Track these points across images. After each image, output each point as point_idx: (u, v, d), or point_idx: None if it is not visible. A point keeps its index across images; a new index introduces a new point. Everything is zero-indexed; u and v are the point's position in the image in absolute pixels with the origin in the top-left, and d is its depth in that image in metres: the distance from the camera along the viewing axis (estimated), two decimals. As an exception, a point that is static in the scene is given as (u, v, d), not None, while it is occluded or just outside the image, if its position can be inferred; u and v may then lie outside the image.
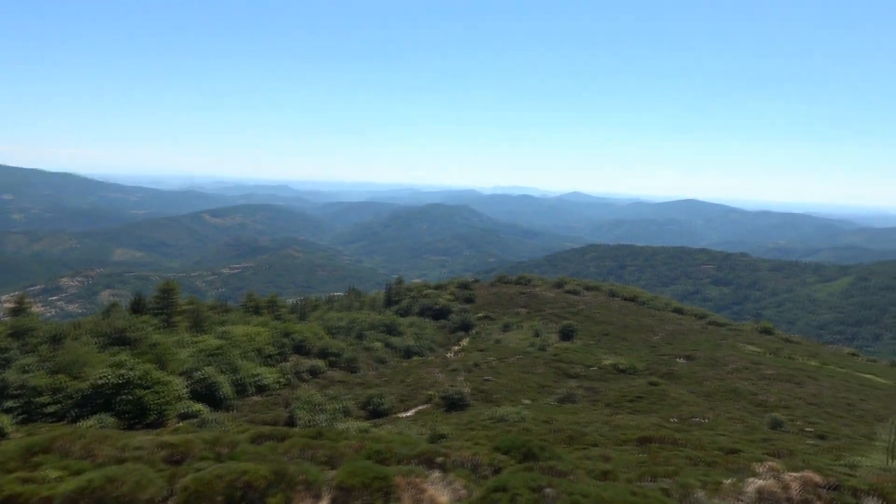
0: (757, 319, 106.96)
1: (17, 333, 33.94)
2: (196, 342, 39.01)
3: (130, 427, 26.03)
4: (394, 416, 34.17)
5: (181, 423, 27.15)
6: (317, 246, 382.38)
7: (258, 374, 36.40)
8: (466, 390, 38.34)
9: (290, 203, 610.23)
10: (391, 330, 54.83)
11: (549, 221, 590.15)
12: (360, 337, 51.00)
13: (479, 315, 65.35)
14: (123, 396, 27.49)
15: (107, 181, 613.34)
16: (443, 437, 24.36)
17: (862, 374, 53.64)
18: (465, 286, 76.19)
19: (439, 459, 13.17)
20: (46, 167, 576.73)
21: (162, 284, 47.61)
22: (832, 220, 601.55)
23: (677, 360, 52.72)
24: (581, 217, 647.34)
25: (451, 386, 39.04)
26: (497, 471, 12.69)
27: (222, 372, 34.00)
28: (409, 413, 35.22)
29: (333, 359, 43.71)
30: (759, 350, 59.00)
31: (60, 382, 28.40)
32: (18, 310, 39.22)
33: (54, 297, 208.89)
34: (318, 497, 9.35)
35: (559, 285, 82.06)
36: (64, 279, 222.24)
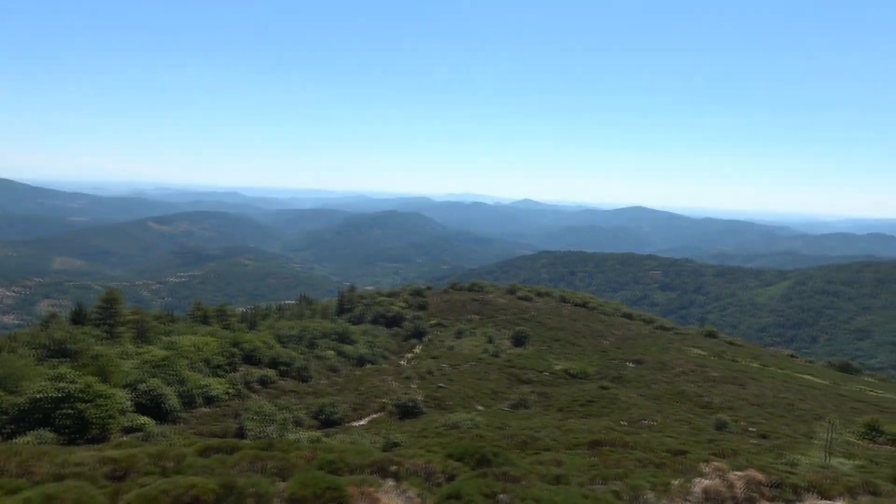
0: (702, 323, 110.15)
1: (-53, 347, 32.25)
2: (141, 353, 37.79)
3: (71, 442, 25.01)
4: (347, 424, 33.82)
5: (125, 438, 26.26)
6: (267, 254, 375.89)
7: (206, 385, 35.49)
8: (420, 398, 38.27)
9: (240, 210, 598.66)
10: (344, 338, 54.30)
11: (501, 229, 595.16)
12: (311, 346, 50.31)
13: (433, 322, 65.35)
14: (63, 410, 26.39)
15: (46, 187, 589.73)
16: (396, 445, 24.23)
17: (801, 375, 55.74)
18: (418, 293, 76.11)
19: (393, 468, 13.10)
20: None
21: (104, 294, 45.98)
22: (771, 227, 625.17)
23: (627, 364, 53.78)
24: (533, 224, 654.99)
25: (405, 393, 38.90)
26: (451, 478, 12.70)
27: (168, 383, 33.03)
28: (363, 421, 34.93)
29: (284, 368, 42.99)
30: (704, 353, 60.70)
31: (-6, 398, 27.09)
32: (-52, 322, 37.32)
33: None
34: (268, 510, 9.18)
35: (511, 292, 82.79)
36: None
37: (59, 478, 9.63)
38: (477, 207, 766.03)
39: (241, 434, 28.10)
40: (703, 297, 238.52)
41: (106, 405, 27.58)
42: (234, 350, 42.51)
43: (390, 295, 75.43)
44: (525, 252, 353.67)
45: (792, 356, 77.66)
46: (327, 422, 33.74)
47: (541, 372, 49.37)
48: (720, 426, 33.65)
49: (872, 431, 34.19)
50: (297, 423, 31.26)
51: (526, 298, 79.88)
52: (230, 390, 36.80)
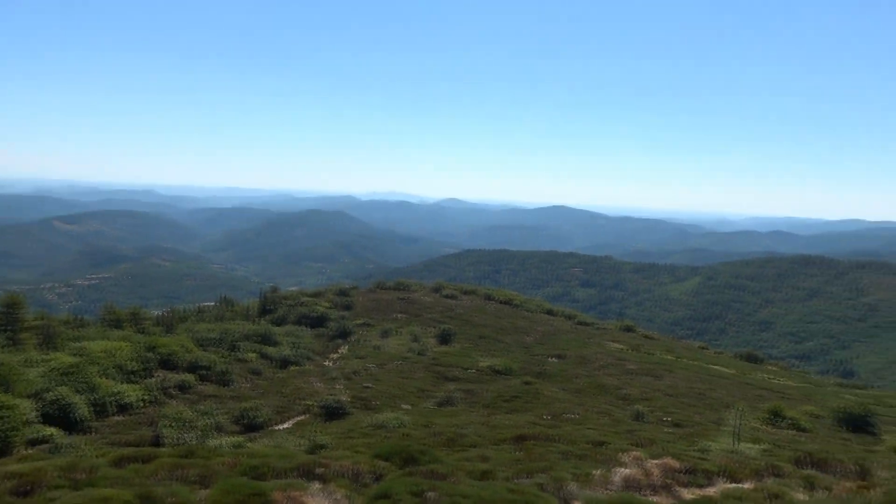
0: (620, 318, 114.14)
1: None
2: (47, 361, 35.61)
3: (-33, 458, 23.29)
4: (270, 428, 33.06)
5: (30, 451, 24.73)
6: (185, 254, 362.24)
7: (119, 392, 33.83)
8: (345, 398, 37.87)
9: (155, 209, 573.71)
10: (266, 340, 53.01)
11: (426, 227, 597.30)
12: (233, 348, 48.82)
13: (358, 322, 64.79)
14: (-42, 425, 24.55)
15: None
16: (322, 447, 23.91)
17: (711, 366, 58.74)
18: (343, 293, 75.23)
19: (319, 470, 12.93)
20: None
21: (5, 298, 43.09)
22: (684, 225, 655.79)
23: (549, 359, 55.07)
24: (458, 223, 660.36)
25: (330, 394, 38.40)
26: (379, 478, 12.66)
27: (78, 392, 31.28)
28: (287, 424, 34.24)
29: (204, 372, 41.53)
30: (622, 347, 62.97)
31: None
32: None
33: None
34: (189, 519, 8.88)
35: (437, 290, 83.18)
36: None
37: (-44, 497, 8.98)
38: (402, 206, 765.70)
39: (158, 442, 26.97)
40: (622, 293, 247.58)
41: (8, 417, 25.84)
42: (150, 355, 40.72)
43: (315, 295, 74.20)
44: (450, 251, 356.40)
45: (703, 348, 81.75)
46: (250, 426, 32.87)
47: (466, 369, 49.86)
48: (637, 417, 35.01)
49: (775, 417, 36.46)
50: (219, 429, 30.31)
51: (451, 297, 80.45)
52: (146, 397, 35.23)
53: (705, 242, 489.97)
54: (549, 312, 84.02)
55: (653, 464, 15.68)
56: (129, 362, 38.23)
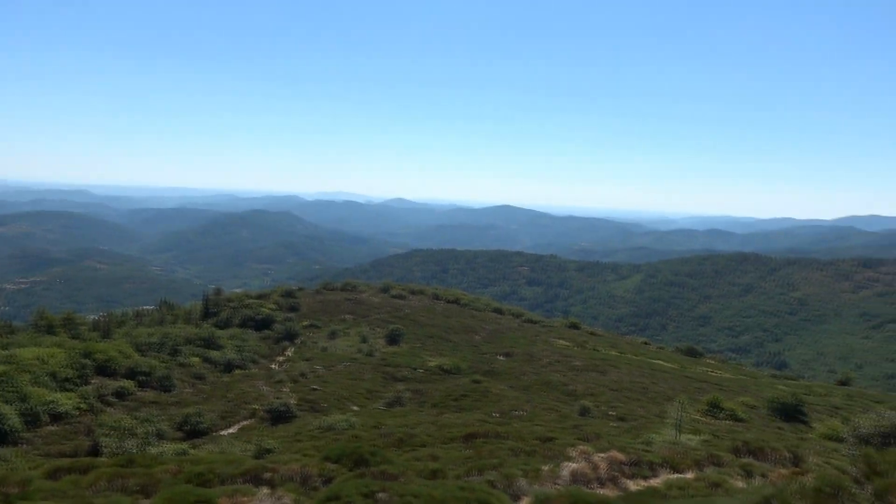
0: (566, 316, 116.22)
1: None
2: (-28, 370, 33.75)
3: None
4: (215, 434, 32.25)
5: (-46, 465, 23.36)
6: (123, 256, 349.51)
7: (53, 401, 32.36)
8: (293, 401, 37.28)
9: (91, 210, 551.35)
10: (210, 343, 51.70)
11: (374, 227, 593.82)
12: (174, 353, 47.40)
13: (305, 323, 63.90)
14: None
15: None
16: (269, 451, 23.46)
17: (653, 361, 60.37)
18: (289, 294, 74.05)
19: (267, 475, 12.68)
20: None
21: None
22: (626, 224, 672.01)
23: (497, 357, 55.56)
24: (405, 223, 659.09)
25: (277, 398, 37.73)
26: (328, 481, 12.51)
27: (7, 401, 29.78)
28: (232, 430, 33.47)
29: (144, 378, 40.17)
30: (568, 344, 64.07)
31: None
32: None
33: None
34: (130, 530, 8.58)
35: (385, 290, 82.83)
36: None
37: None
38: (349, 206, 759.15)
39: (96, 452, 25.93)
40: (567, 291, 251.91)
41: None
42: (86, 361, 39.11)
43: (260, 297, 72.80)
44: (398, 251, 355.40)
45: (645, 343, 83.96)
46: (193, 432, 31.98)
47: (415, 369, 49.83)
48: (584, 412, 35.67)
49: (714, 408, 37.77)
50: (160, 436, 29.35)
51: (399, 297, 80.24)
52: (81, 405, 33.81)
53: (646, 241, 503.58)
54: (497, 311, 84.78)
55: (599, 457, 15.99)
56: (63, 369, 36.63)
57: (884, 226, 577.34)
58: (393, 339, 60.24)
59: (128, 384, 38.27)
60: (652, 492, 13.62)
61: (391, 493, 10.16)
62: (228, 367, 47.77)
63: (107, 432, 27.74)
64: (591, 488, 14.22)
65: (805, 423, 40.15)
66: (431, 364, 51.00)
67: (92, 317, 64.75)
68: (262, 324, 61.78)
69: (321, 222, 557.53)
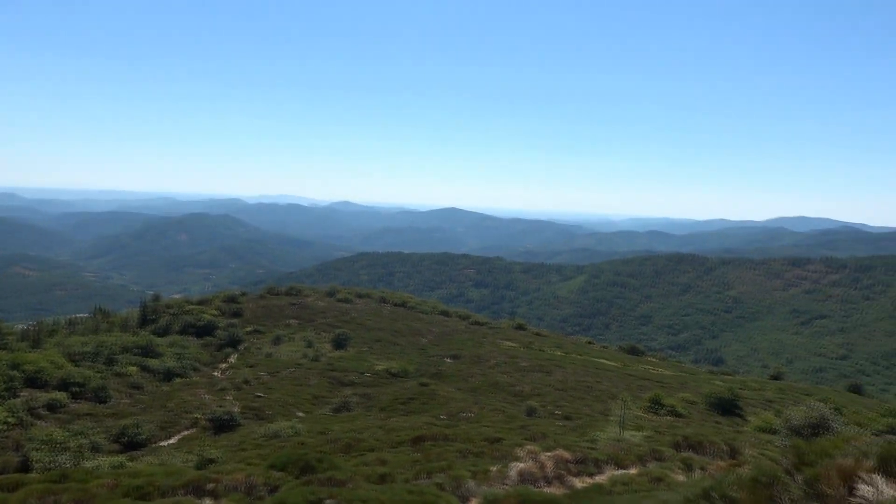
0: (512, 317, 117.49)
1: None
2: None
3: None
4: (154, 445, 31.20)
5: None
6: (54, 262, 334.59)
7: (-23, 416, 30.71)
8: (236, 409, 36.42)
9: (18, 213, 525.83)
10: (148, 352, 49.96)
11: (318, 231, 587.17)
12: (110, 362, 45.59)
13: (248, 329, 62.55)
14: None
15: None
16: (212, 461, 22.85)
17: (597, 360, 61.62)
18: (231, 300, 72.29)
19: (210, 486, 12.35)
20: None
21: None
22: (569, 226, 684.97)
23: (445, 359, 55.68)
24: (350, 226, 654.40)
25: (220, 406, 36.78)
26: (274, 489, 12.27)
27: (-73, 418, 28.10)
28: (173, 440, 32.45)
29: (78, 389, 38.49)
30: (515, 345, 64.75)
31: None
32: None
33: None
34: (63, 549, 8.21)
35: (331, 294, 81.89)
36: None
37: None
38: (293, 209, 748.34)
39: (25, 467, 24.71)
40: (513, 293, 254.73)
41: None
42: (14, 373, 37.21)
43: (201, 303, 70.82)
44: (344, 254, 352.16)
45: (589, 343, 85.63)
46: (131, 444, 30.83)
47: (362, 373, 49.43)
48: (530, 412, 36.12)
49: (655, 405, 38.85)
50: (96, 449, 28.16)
51: (346, 300, 79.47)
52: (10, 419, 32.15)
53: (590, 242, 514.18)
54: (444, 313, 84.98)
55: (546, 456, 16.21)
56: (-12, 382, 34.77)
57: (811, 226, 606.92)
58: (339, 343, 59.61)
59: (60, 396, 36.61)
60: (597, 488, 13.89)
61: (338, 500, 10.04)
62: (168, 376, 46.31)
63: (37, 447, 26.48)
64: (538, 487, 14.40)
65: (741, 416, 41.77)
66: (379, 368, 50.70)
67: (20, 326, 61.67)
68: (204, 330, 60.14)
69: (264, 226, 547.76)
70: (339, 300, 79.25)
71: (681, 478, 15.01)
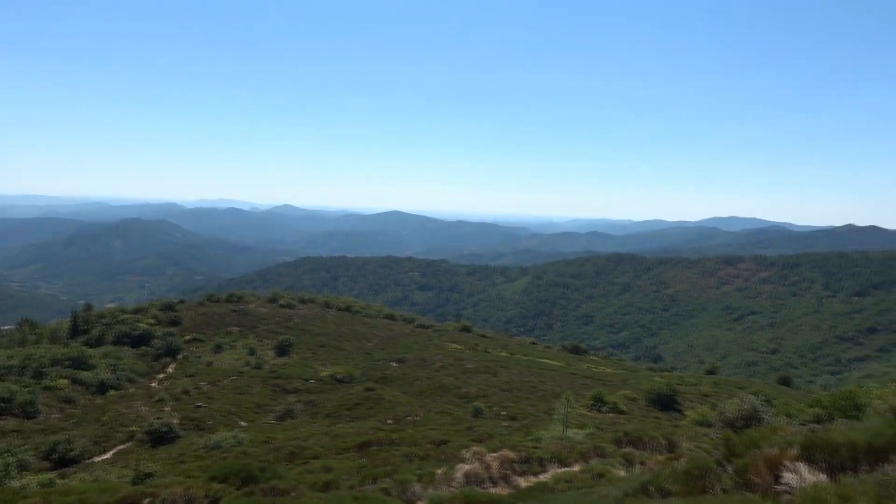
0: (458, 319, 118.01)
1: None
2: None
3: None
4: (88, 461, 29.93)
5: None
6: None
7: None
8: (175, 420, 35.32)
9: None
10: (80, 364, 47.90)
11: (260, 235, 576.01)
12: (39, 376, 43.49)
13: (187, 338, 60.78)
14: None
15: None
16: (150, 475, 22.10)
17: (541, 360, 62.56)
18: (169, 308, 70.08)
19: (147, 501, 11.96)
20: None
21: None
22: (512, 228, 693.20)
23: (391, 363, 55.46)
24: (293, 230, 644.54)
25: (157, 418, 35.59)
26: (215, 501, 11.97)
27: None
28: (107, 455, 31.21)
29: (3, 405, 36.59)
30: (460, 347, 65.07)
31: None
32: None
33: None
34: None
35: (273, 300, 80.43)
36: None
37: None
38: (232, 214, 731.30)
39: (-56, 490, 23.30)
40: (458, 295, 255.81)
41: None
42: (-69, 390, 35.13)
43: (136, 311, 68.40)
44: (286, 259, 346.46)
45: (533, 343, 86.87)
46: (63, 461, 29.48)
47: (307, 380, 48.74)
48: (476, 413, 36.36)
49: (598, 402, 39.71)
50: (23, 467, 26.80)
51: (289, 306, 78.19)
52: (-73, 439, 30.30)
53: (532, 244, 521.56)
54: (390, 317, 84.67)
55: (491, 457, 16.35)
56: None
57: (742, 226, 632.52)
58: (282, 350, 58.61)
59: (-17, 413, 34.73)
60: (541, 487, 14.11)
61: (282, 509, 9.88)
62: (102, 388, 44.54)
63: (-41, 468, 25.01)
64: (484, 488, 14.52)
65: (679, 411, 43.15)
66: (323, 374, 50.09)
67: (-62, 340, 58.22)
68: (140, 340, 58.12)
69: (202, 231, 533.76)
70: (282, 306, 77.92)
71: (622, 473, 15.40)
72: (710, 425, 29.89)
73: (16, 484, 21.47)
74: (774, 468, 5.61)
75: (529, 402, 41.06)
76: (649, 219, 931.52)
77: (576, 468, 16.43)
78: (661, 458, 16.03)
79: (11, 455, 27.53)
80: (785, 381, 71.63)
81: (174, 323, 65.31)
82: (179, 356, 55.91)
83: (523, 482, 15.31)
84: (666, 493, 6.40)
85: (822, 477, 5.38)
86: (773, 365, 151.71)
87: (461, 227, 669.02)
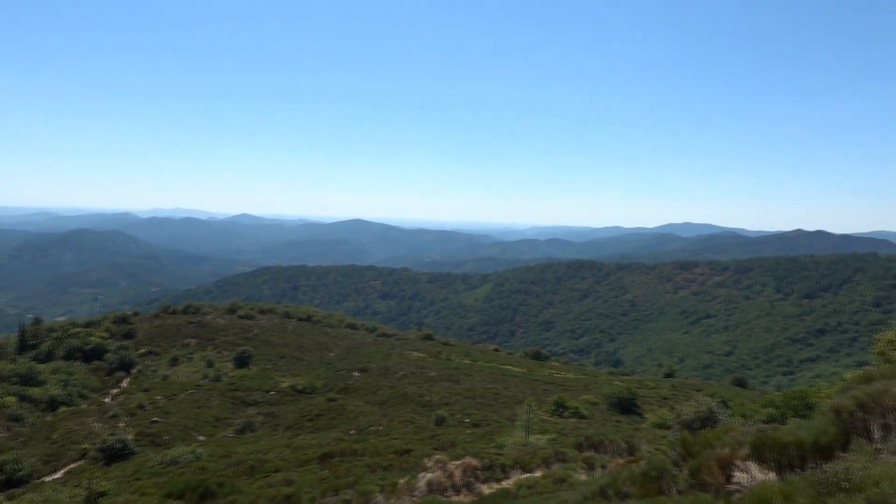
0: (420, 327, 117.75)
1: None
2: None
3: None
4: (37, 481, 28.89)
5: None
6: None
7: None
8: (130, 437, 34.37)
9: None
10: (28, 380, 46.27)
11: (217, 245, 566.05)
12: (-16, 393, 41.91)
13: (142, 351, 59.27)
14: None
15: None
16: (103, 494, 21.44)
17: (504, 367, 62.85)
18: (123, 320, 68.23)
19: (100, 521, 11.64)
20: None
21: None
22: (474, 236, 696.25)
23: (353, 373, 55.03)
24: (252, 239, 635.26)
25: (111, 434, 34.58)
26: (171, 519, 11.70)
27: None
28: (58, 475, 30.18)
29: (-55, 425, 35.14)
30: (423, 355, 64.94)
31: None
32: None
33: None
34: None
35: (232, 311, 79.02)
36: None
37: None
38: (189, 223, 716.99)
39: None
40: (420, 303, 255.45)
41: None
42: None
43: (88, 325, 66.41)
44: (245, 269, 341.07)
45: (496, 350, 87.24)
46: (10, 482, 28.40)
47: (267, 392, 47.98)
48: (439, 421, 36.32)
49: (560, 408, 40.10)
50: (-33, 490, 25.77)
51: (248, 317, 76.93)
52: None
53: (494, 251, 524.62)
54: (351, 326, 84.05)
55: (454, 465, 16.37)
56: None
57: (696, 232, 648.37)
58: (242, 361, 57.61)
59: (-76, 434, 33.24)
60: (504, 493, 14.18)
61: (242, 525, 9.72)
62: (52, 405, 43.10)
63: None
64: (447, 496, 14.52)
65: (639, 414, 43.86)
66: (284, 385, 49.40)
67: None
68: (93, 354, 56.45)
69: (158, 241, 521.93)
70: (241, 317, 76.62)
71: (583, 477, 15.58)
72: (668, 427, 30.48)
73: (-41, 507, 20.62)
74: (726, 468, 5.78)
75: (492, 409, 41.20)
76: (608, 225, 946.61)
77: (538, 474, 16.56)
78: (620, 461, 16.27)
79: (-45, 477, 26.46)
80: (740, 383, 73.45)
81: (128, 336, 63.64)
82: (134, 370, 54.49)
83: (486, 489, 15.36)
84: (624, 496, 6.52)
85: (772, 475, 5.57)
86: (729, 367, 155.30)
87: (423, 234, 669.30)
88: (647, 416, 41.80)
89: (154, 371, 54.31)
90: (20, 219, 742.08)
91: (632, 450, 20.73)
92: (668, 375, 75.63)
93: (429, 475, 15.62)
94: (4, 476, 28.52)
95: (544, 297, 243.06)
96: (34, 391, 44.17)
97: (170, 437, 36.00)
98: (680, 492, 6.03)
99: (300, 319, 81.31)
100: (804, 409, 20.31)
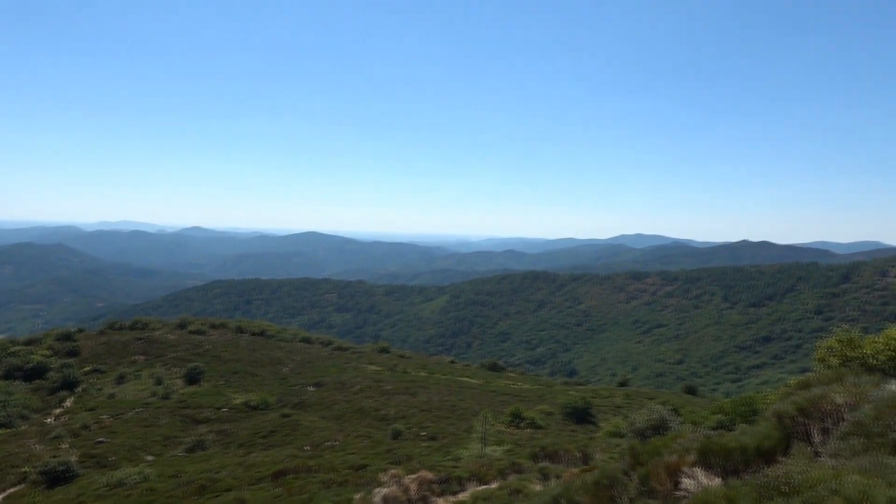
0: (376, 340, 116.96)
1: None
2: None
3: None
4: (-28, 508, 27.50)
5: None
6: None
7: None
8: (73, 458, 33.03)
9: None
10: (-36, 401, 44.14)
11: (167, 259, 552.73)
12: (-86, 417, 39.77)
13: (87, 369, 57.16)
14: None
15: None
16: (44, 520, 20.55)
17: (460, 378, 62.90)
18: (66, 337, 65.73)
19: (40, 548, 11.17)
20: None
21: None
22: (430, 247, 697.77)
23: (308, 388, 54.24)
24: (203, 253, 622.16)
25: (54, 456, 33.17)
26: (116, 543, 11.31)
27: None
28: (-5, 500, 28.79)
29: None
30: (379, 368, 64.49)
31: None
32: None
33: None
34: None
35: (182, 326, 76.99)
36: None
37: None
38: (137, 236, 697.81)
39: None
40: (377, 316, 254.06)
41: None
42: None
43: (29, 342, 63.79)
44: (196, 283, 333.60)
45: (452, 362, 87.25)
46: (-58, 510, 26.96)
47: (219, 408, 46.84)
48: (396, 435, 36.07)
49: (516, 419, 40.32)
50: None
51: (199, 332, 75.06)
52: None
53: (450, 263, 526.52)
54: (306, 340, 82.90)
55: (410, 479, 16.29)
56: None
57: (647, 243, 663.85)
58: (192, 378, 56.14)
59: None
60: (460, 506, 14.17)
61: (191, 547, 9.46)
62: (-11, 428, 41.12)
63: None
64: (403, 511, 14.43)
65: (594, 423, 44.44)
66: (236, 401, 48.33)
67: None
68: (34, 373, 54.22)
69: (104, 255, 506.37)
70: (192, 332, 74.73)
71: (538, 487, 15.68)
72: (622, 436, 30.97)
73: None
74: (674, 475, 5.93)
75: (449, 422, 41.14)
76: (562, 237, 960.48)
77: (494, 485, 16.61)
78: (575, 470, 16.45)
79: None
80: (691, 391, 75.19)
81: (72, 354, 61.38)
82: (78, 389, 52.52)
83: (442, 502, 15.32)
84: (576, 505, 6.61)
85: (717, 481, 5.73)
86: (680, 375, 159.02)
87: (378, 247, 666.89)
88: (601, 425, 42.36)
89: (100, 389, 52.45)
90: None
91: (586, 459, 21.00)
92: (622, 384, 76.86)
93: (384, 490, 15.51)
94: (-64, 504, 27.07)
95: (500, 309, 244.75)
96: (-30, 413, 42.11)
97: (116, 457, 34.76)
98: (630, 499, 6.15)
99: (253, 334, 79.77)
100: (752, 415, 20.94)
